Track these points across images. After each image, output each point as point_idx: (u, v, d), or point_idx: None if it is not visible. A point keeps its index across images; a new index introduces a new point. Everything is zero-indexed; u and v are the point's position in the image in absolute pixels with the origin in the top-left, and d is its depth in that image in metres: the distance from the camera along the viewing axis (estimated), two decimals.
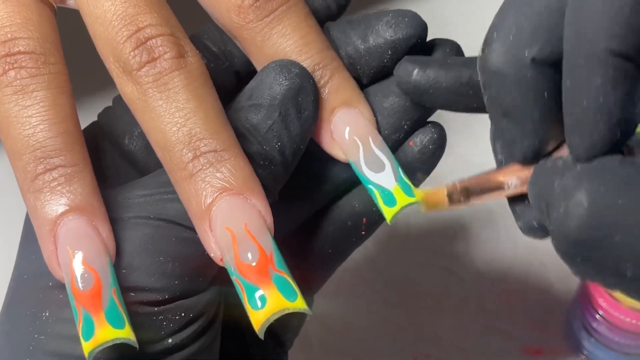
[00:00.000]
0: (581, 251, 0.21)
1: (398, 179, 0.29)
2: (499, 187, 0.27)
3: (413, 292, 0.49)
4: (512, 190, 0.27)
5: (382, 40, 0.29)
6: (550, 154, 0.26)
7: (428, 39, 0.30)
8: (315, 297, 0.35)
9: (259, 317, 0.25)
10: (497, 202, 0.52)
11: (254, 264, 0.25)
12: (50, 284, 0.27)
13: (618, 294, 0.41)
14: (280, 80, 0.27)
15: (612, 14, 0.21)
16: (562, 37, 0.23)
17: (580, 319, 0.45)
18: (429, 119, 0.31)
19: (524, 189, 0.26)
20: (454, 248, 0.51)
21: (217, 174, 0.26)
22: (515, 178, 0.26)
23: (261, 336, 0.25)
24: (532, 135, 0.25)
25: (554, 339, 0.47)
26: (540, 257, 0.50)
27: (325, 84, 0.29)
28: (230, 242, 0.26)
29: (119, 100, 0.31)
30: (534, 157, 0.25)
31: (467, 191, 0.27)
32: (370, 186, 0.29)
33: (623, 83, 0.22)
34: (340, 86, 0.29)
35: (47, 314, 0.27)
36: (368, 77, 0.30)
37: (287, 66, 0.28)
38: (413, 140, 0.30)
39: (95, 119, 0.32)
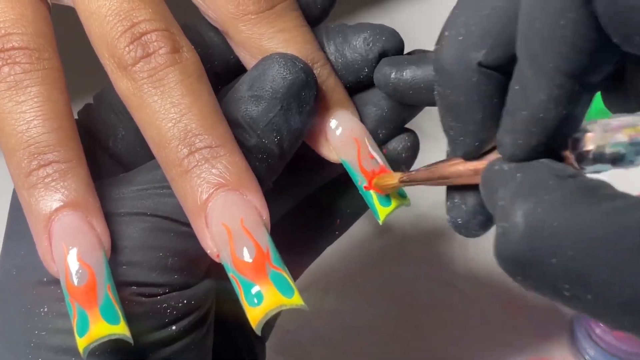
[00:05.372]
0: (519, 270, 0.21)
1: None
2: (442, 178, 0.27)
3: (416, 308, 0.49)
4: (453, 181, 0.27)
5: (358, 57, 0.29)
6: (490, 151, 0.26)
7: (416, 46, 0.30)
8: (318, 317, 0.35)
9: (256, 314, 0.25)
10: None
11: (250, 260, 0.25)
12: (45, 279, 0.26)
13: None
14: (284, 73, 0.27)
15: (558, 34, 0.21)
16: (510, 41, 0.23)
17: (584, 327, 0.44)
18: (406, 126, 0.31)
19: (461, 181, 0.26)
20: (453, 261, 0.51)
21: (213, 170, 0.26)
22: (456, 172, 0.26)
23: (258, 332, 0.25)
24: (473, 135, 0.25)
25: (559, 349, 0.47)
26: None
27: (322, 83, 0.29)
28: (227, 238, 0.25)
29: (99, 99, 0.31)
30: (474, 154, 0.25)
31: (415, 180, 0.27)
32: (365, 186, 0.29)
33: (566, 102, 0.22)
34: (335, 87, 0.29)
35: (45, 310, 0.26)
36: None
37: (292, 60, 0.27)
38: (387, 147, 0.30)
39: None
